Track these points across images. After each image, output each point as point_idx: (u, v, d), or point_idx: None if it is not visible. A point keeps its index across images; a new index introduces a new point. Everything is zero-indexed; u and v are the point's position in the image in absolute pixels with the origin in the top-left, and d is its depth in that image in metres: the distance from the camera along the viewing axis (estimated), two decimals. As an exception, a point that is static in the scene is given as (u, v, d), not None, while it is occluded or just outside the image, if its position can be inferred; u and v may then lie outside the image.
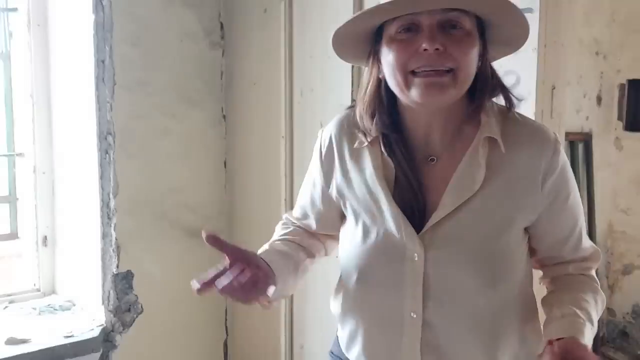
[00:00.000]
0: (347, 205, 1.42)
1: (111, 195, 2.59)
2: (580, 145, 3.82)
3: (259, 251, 1.41)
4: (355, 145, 1.38)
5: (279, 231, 1.59)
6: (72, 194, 2.78)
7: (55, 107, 2.81)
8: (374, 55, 1.32)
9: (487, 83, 1.31)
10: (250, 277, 1.22)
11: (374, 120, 1.34)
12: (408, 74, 1.24)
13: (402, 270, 1.31)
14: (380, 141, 1.34)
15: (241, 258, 1.25)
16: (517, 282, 1.34)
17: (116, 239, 2.60)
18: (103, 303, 2.64)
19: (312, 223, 1.55)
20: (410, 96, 1.25)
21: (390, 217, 1.32)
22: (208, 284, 1.21)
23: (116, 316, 2.61)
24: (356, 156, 1.39)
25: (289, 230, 1.57)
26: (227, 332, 2.95)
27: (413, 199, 1.31)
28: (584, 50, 3.81)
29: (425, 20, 1.23)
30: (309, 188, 1.53)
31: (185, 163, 2.75)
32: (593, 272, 1.43)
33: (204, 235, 1.21)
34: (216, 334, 2.93)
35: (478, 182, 1.28)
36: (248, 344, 2.87)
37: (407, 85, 1.24)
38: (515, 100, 1.36)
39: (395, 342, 1.36)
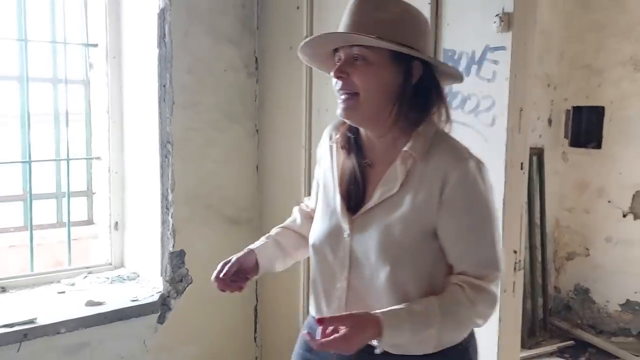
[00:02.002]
0: (319, 190, 1.47)
1: (169, 190, 2.59)
2: (535, 158, 3.83)
3: (259, 244, 1.53)
4: (330, 143, 1.44)
5: (290, 219, 1.64)
6: (138, 189, 2.79)
7: (126, 120, 2.82)
8: None
9: (405, 105, 1.29)
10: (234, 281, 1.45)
11: (342, 126, 1.40)
12: (338, 97, 1.30)
13: (339, 245, 1.34)
14: (345, 145, 1.38)
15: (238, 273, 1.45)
16: (418, 270, 1.28)
17: (172, 225, 2.60)
18: (161, 275, 2.63)
19: (313, 204, 1.57)
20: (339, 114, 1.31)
21: (337, 204, 1.36)
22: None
23: (171, 285, 2.61)
24: (330, 152, 1.44)
25: (294, 219, 1.62)
26: (257, 299, 2.93)
27: (356, 193, 1.34)
28: (538, 82, 3.82)
29: (342, 54, 1.29)
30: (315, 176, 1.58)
31: (227, 167, 2.74)
32: (480, 292, 1.24)
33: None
34: (248, 301, 2.91)
35: (396, 186, 1.28)
36: (273, 309, 2.87)
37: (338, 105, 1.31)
38: (446, 119, 1.33)
39: (330, 297, 1.37)
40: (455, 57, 1.98)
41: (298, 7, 2.55)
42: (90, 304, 2.42)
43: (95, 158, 2.87)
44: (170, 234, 2.60)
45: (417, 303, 1.23)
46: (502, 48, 1.84)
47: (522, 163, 1.92)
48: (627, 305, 3.89)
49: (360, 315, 1.16)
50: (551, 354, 3.53)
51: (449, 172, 1.24)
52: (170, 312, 2.60)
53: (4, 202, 2.81)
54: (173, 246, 2.60)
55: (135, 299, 2.52)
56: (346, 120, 1.33)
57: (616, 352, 3.62)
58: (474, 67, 1.92)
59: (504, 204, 1.89)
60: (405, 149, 1.28)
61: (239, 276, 1.44)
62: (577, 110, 4.04)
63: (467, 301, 1.23)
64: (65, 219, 2.84)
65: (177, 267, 2.61)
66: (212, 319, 2.75)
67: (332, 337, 1.12)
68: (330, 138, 1.44)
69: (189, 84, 2.60)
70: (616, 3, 3.84)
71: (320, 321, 1.14)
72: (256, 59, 2.82)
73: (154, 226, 2.64)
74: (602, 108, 3.93)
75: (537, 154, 3.85)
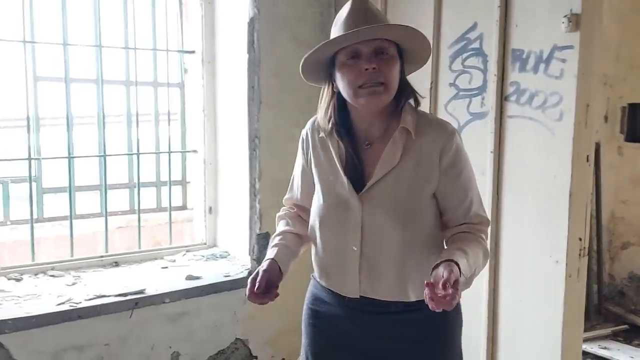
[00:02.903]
0: (316, 175, 1.48)
1: (256, 179, 2.64)
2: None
3: (275, 252, 1.46)
4: (320, 135, 1.45)
5: (282, 224, 1.59)
6: (229, 178, 2.84)
7: (219, 118, 2.88)
8: (330, 77, 1.39)
9: (405, 90, 1.38)
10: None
11: (330, 120, 1.40)
12: (356, 88, 1.31)
13: (348, 218, 1.38)
14: (335, 133, 1.40)
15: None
16: (423, 229, 1.38)
17: (259, 210, 2.65)
18: (249, 253, 2.69)
19: (297, 195, 1.58)
20: (359, 102, 1.33)
21: (341, 183, 1.39)
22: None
23: (258, 263, 2.61)
24: (322, 144, 1.46)
25: (286, 222, 1.58)
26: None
27: (356, 171, 1.39)
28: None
29: (364, 49, 1.31)
30: (297, 170, 1.59)
31: (306, 159, 2.77)
32: (482, 234, 1.40)
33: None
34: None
35: (396, 159, 1.35)
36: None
37: (356, 95, 1.32)
38: (420, 100, 1.42)
39: (343, 266, 1.41)
40: (524, 56, 1.95)
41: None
42: (190, 278, 2.51)
43: (192, 151, 2.96)
44: (257, 218, 2.65)
45: (461, 250, 1.29)
46: (570, 47, 1.81)
47: (587, 155, 1.88)
48: (681, 293, 3.73)
49: (453, 272, 1.19)
50: (606, 336, 3.42)
51: (445, 145, 1.35)
52: (257, 287, 2.66)
53: (115, 190, 2.97)
54: (260, 229, 2.65)
55: (227, 274, 2.59)
56: (369, 107, 1.34)
57: (670, 337, 3.47)
58: (542, 66, 1.90)
59: (570, 194, 1.86)
60: (402, 125, 1.36)
61: (269, 286, 1.39)
62: (632, 107, 3.88)
63: (482, 241, 1.38)
64: (163, 204, 2.96)
65: (263, 247, 2.64)
66: (294, 294, 2.75)
67: (450, 299, 1.13)
68: (318, 133, 1.47)
69: (274, 85, 2.64)
70: (672, 4, 3.67)
71: (431, 286, 1.16)
72: (332, 62, 2.83)
73: (243, 211, 2.70)
74: (658, 105, 3.76)
75: (595, 149, 3.72)
